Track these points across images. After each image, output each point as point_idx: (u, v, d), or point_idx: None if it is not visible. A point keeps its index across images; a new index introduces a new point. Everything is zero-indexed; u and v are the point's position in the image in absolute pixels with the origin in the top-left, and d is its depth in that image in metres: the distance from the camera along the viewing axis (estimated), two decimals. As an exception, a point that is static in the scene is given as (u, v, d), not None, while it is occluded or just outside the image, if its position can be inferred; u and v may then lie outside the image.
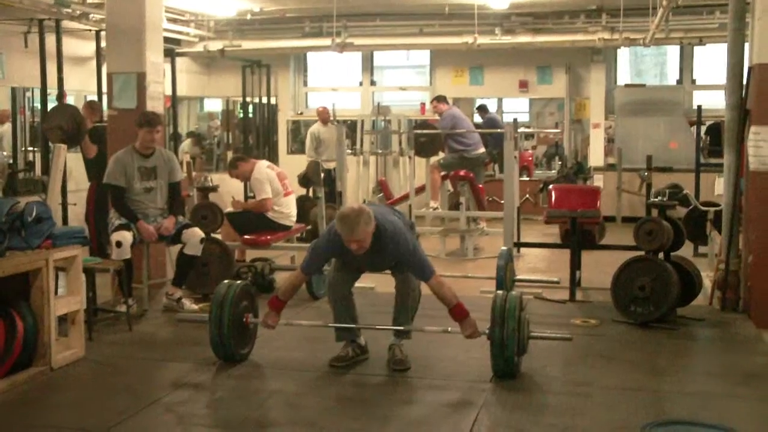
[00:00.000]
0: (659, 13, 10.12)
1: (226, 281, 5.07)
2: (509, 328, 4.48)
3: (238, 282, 5.06)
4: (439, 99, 10.22)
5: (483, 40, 12.39)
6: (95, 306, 5.79)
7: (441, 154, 10.22)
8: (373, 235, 4.62)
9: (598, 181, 11.76)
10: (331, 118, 11.66)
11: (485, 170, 11.04)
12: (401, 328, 4.89)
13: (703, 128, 12.01)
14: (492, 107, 13.74)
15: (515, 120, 8.09)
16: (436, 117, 10.48)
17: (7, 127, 10.92)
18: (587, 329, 5.77)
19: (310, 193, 9.33)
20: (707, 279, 6.73)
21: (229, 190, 10.04)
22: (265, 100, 13.64)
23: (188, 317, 5.84)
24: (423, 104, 14.29)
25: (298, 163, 11.18)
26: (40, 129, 9.06)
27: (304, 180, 8.55)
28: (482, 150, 10.04)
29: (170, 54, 11.30)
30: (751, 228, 6.04)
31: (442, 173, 9.75)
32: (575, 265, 6.77)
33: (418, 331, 4.93)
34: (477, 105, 13.75)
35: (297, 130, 15.02)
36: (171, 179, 6.40)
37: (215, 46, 13.09)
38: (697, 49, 13.29)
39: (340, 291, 4.97)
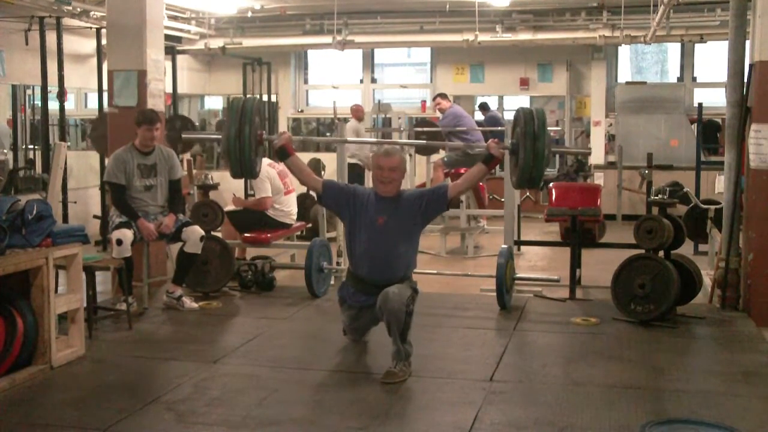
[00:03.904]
0: (660, 11, 10.10)
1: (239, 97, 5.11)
2: (538, 123, 4.50)
3: (255, 96, 5.18)
4: (441, 96, 10.21)
5: (484, 37, 12.40)
6: (95, 304, 5.79)
7: (441, 152, 10.21)
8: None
9: (598, 179, 11.76)
10: (333, 116, 11.66)
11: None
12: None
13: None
14: (493, 105, 13.72)
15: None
16: (437, 115, 10.47)
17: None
18: (587, 327, 5.77)
19: (311, 192, 9.31)
20: (707, 277, 6.73)
21: (229, 188, 10.04)
22: (265, 97, 13.63)
23: (202, 135, 5.97)
24: (424, 102, 14.29)
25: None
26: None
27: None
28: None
29: (171, 51, 11.32)
30: (752, 226, 6.04)
31: (445, 170, 9.75)
32: (575, 263, 6.76)
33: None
34: (478, 103, 13.73)
35: (298, 128, 15.01)
36: (171, 177, 6.39)
37: (216, 43, 13.08)
38: (698, 47, 13.28)
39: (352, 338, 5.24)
